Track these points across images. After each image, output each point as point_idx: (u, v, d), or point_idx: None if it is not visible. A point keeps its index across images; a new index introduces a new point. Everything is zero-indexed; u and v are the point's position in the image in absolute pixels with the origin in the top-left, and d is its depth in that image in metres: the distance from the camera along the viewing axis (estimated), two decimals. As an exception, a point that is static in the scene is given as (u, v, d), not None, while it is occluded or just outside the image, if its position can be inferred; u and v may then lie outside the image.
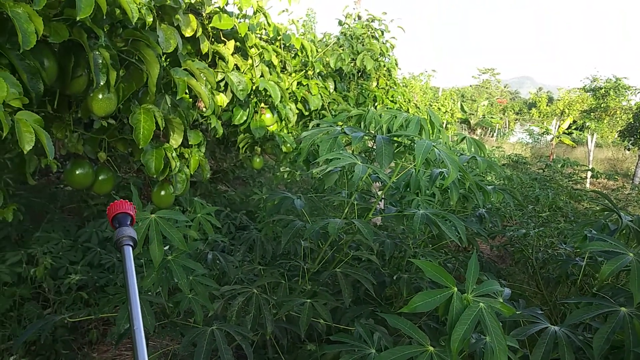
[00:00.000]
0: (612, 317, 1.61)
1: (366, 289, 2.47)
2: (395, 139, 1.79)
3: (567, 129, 18.33)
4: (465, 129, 24.07)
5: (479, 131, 26.47)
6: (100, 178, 2.04)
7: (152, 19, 1.62)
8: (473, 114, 23.71)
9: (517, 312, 1.94)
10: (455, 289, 1.41)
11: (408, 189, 2.50)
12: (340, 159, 1.66)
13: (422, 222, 1.67)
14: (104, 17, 1.49)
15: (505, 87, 47.66)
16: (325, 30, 5.46)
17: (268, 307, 1.88)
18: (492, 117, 25.12)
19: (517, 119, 31.75)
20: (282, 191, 2.21)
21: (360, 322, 1.74)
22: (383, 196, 3.10)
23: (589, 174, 10.58)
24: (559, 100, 18.95)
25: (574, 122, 18.15)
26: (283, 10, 4.51)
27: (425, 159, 1.97)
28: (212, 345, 1.65)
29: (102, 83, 1.46)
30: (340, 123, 2.22)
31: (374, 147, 1.71)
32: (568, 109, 17.33)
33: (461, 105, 18.49)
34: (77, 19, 1.23)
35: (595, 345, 1.57)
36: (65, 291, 3.73)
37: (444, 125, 14.17)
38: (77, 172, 1.94)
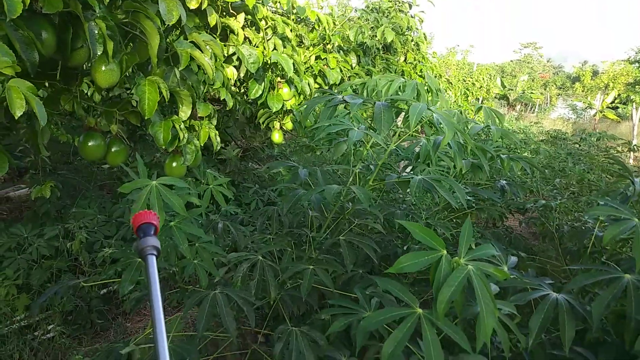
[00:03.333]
0: (614, 284, 1.57)
1: (380, 260, 2.49)
2: (399, 105, 1.78)
3: (611, 103, 17.55)
4: (504, 105, 23.41)
5: (518, 107, 25.70)
6: (112, 150, 2.11)
7: (149, -10, 1.66)
8: (512, 90, 23.00)
9: (526, 280, 1.91)
10: (445, 251, 1.40)
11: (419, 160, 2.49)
12: (337, 125, 1.66)
13: (419, 187, 1.66)
14: (101, -11, 1.53)
15: (548, 61, 45.92)
16: (347, 4, 5.39)
17: (272, 273, 1.93)
18: (532, 93, 24.29)
19: (559, 94, 30.59)
20: (288, 162, 2.24)
21: (359, 287, 1.77)
22: (400, 168, 3.08)
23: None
24: (603, 73, 18.14)
25: (619, 95, 17.37)
26: (305, -15, 4.49)
27: (431, 126, 1.95)
28: (215, 309, 1.71)
29: (98, 53, 1.50)
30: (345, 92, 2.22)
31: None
32: (612, 82, 16.56)
33: (501, 80, 17.97)
34: (68, -11, 1.28)
35: (595, 311, 1.54)
36: (100, 264, 3.90)
37: (480, 100, 13.83)
38: (90, 144, 2.02)
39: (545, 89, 29.23)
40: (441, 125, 1.53)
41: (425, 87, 1.76)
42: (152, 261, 1.02)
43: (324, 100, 1.81)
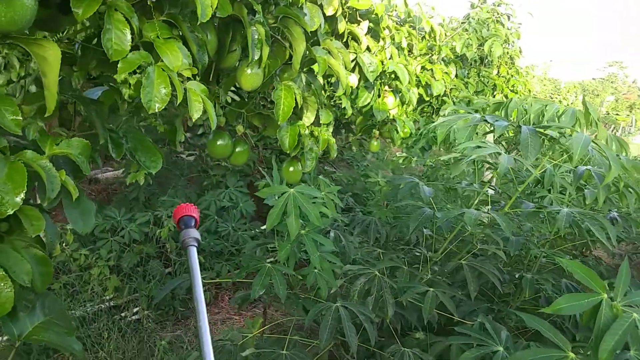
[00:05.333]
0: None
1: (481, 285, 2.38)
2: (540, 131, 1.69)
3: None
4: (585, 126, 22.25)
5: (600, 129, 24.34)
6: (237, 150, 2.13)
7: (302, -4, 1.65)
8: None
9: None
10: (605, 295, 1.31)
11: (538, 185, 2.37)
12: (481, 147, 1.59)
13: (567, 222, 1.56)
14: (262, -6, 1.54)
15: (634, 82, 43.20)
16: (451, 15, 5.26)
17: (389, 290, 1.88)
18: (616, 114, 23.00)
19: (646, 117, 28.73)
20: (408, 177, 2.18)
21: (485, 317, 1.68)
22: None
23: None
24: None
25: None
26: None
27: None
28: (338, 322, 1.68)
29: (256, 57, 1.51)
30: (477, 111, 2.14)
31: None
32: None
33: (583, 99, 17.09)
34: (242, -7, 1.28)
35: None
36: (185, 253, 4.01)
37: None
38: (219, 143, 2.04)
39: (630, 111, 27.59)
40: (604, 159, 1.43)
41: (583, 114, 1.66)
42: (193, 252, 1.10)
43: (463, 118, 1.75)
